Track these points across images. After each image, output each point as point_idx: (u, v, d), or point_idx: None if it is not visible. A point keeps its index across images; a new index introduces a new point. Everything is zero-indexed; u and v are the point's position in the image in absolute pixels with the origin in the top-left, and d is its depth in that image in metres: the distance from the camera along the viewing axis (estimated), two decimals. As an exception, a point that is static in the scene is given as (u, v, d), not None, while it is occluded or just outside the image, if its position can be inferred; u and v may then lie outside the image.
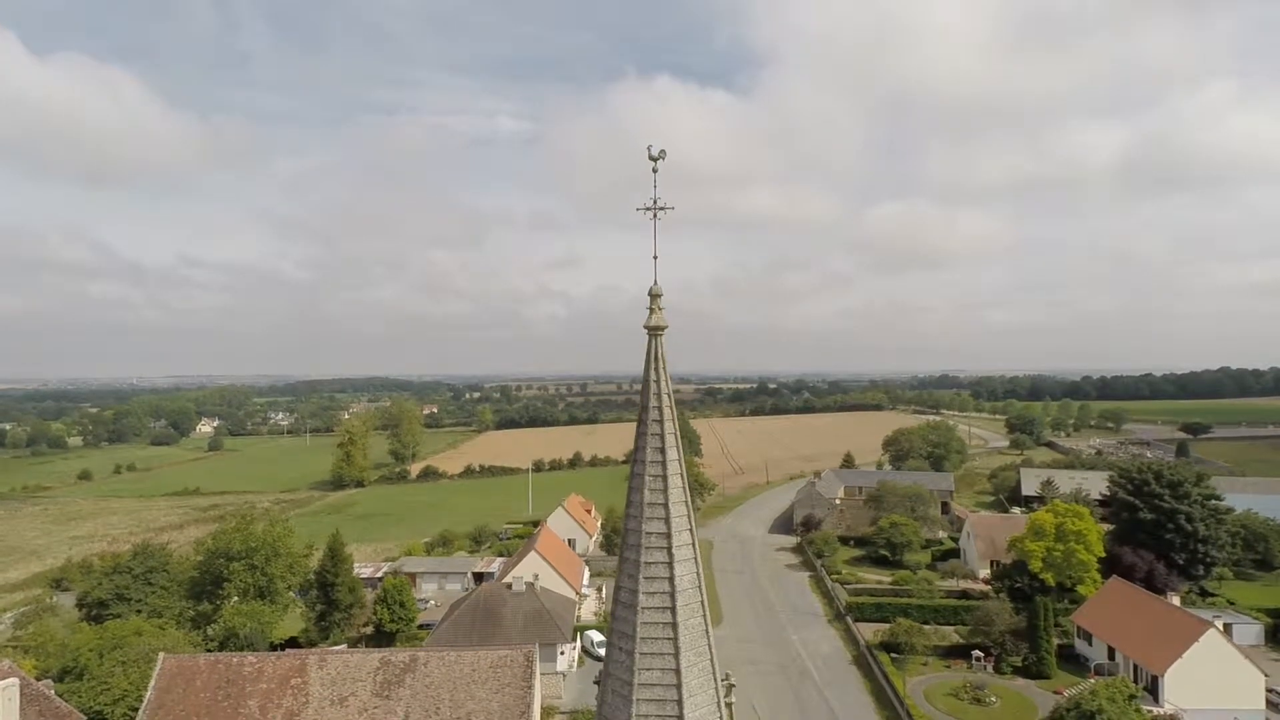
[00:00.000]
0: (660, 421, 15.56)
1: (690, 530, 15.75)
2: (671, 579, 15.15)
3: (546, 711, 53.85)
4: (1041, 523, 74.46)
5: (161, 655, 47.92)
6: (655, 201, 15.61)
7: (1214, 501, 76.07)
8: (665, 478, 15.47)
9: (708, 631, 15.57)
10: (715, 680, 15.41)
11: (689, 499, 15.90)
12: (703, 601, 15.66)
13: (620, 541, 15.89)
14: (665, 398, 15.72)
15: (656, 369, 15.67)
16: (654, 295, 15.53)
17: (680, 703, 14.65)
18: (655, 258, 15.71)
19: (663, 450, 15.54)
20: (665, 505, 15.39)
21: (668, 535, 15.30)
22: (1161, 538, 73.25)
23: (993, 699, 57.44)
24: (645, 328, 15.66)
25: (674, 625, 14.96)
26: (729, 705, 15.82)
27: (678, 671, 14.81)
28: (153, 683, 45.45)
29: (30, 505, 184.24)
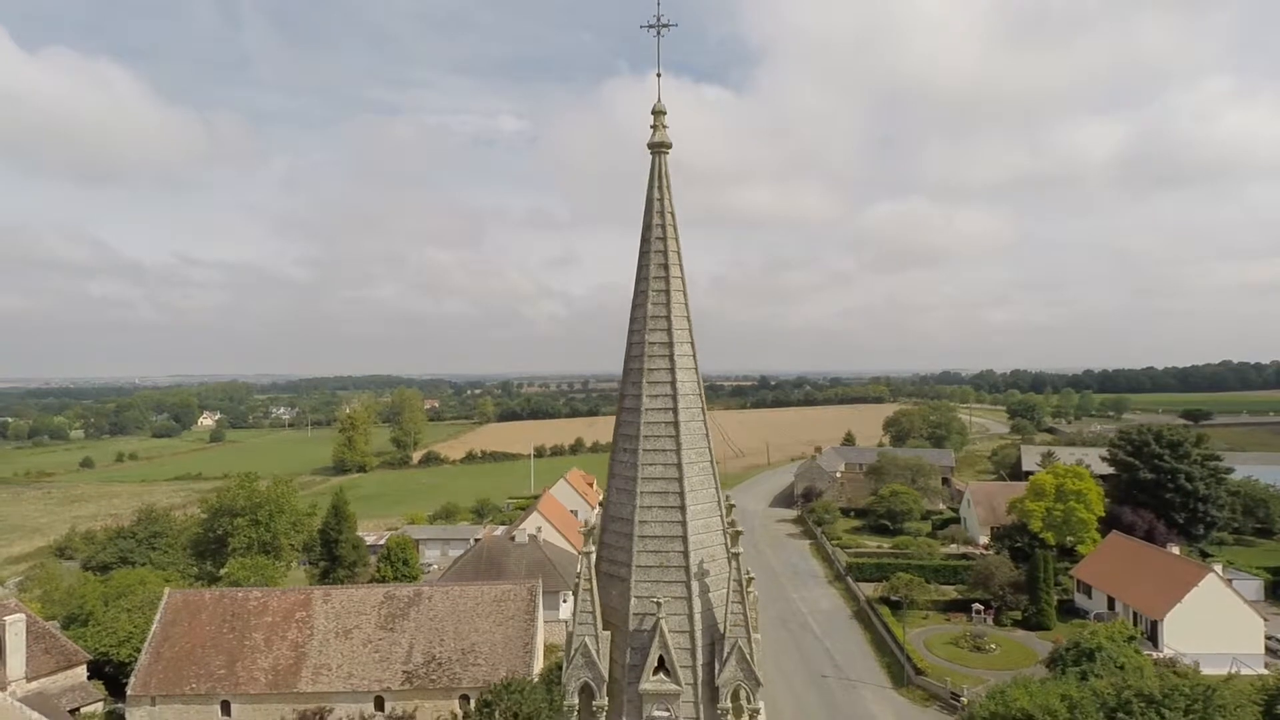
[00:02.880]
0: (664, 239, 15.92)
1: (691, 344, 16.12)
2: (673, 383, 15.53)
3: (550, 649, 54.21)
4: (1041, 483, 74.80)
5: (167, 589, 48.46)
6: (659, 19, 16.02)
7: (1214, 462, 76.37)
8: (668, 293, 15.83)
9: (708, 436, 15.95)
10: (715, 481, 15.78)
11: (690, 315, 16.25)
12: (703, 409, 16.07)
13: (624, 354, 16.28)
14: (669, 216, 16.08)
15: (660, 188, 16.02)
16: (657, 113, 15.90)
17: (682, 494, 15.03)
18: (659, 75, 16.10)
19: (665, 266, 15.89)
20: (668, 318, 15.76)
21: (669, 345, 15.67)
22: (1161, 497, 73.52)
23: (993, 647, 57.80)
24: (648, 146, 16.03)
25: (675, 424, 15.35)
26: (733, 525, 16.14)
27: (679, 466, 15.19)
28: (158, 615, 45.97)
29: (33, 489, 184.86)
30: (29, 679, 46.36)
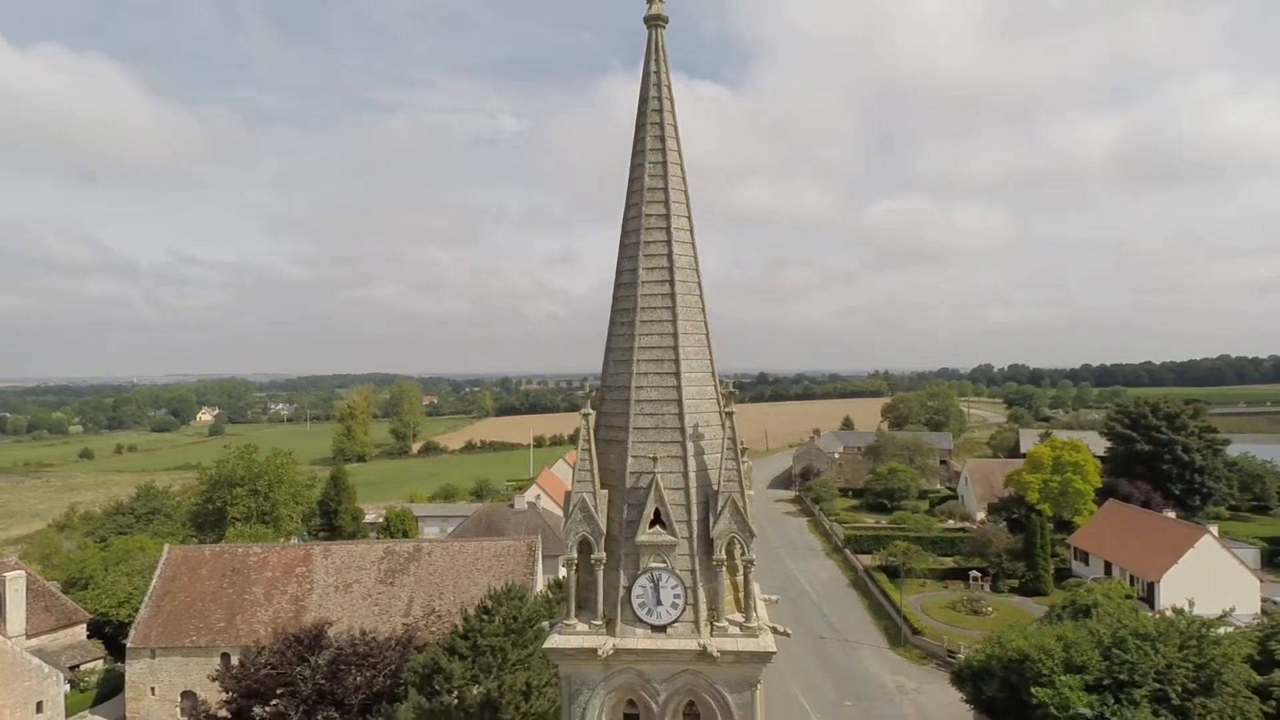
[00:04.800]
0: (660, 112, 16.10)
1: (688, 218, 16.30)
2: (669, 255, 15.73)
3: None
4: (1039, 455, 75.08)
5: (167, 546, 48.66)
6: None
7: (1211, 434, 76.62)
8: (665, 165, 16.00)
9: (703, 310, 16.16)
10: (710, 354, 15.99)
11: (687, 190, 16.41)
12: (699, 284, 16.25)
13: (620, 229, 16.45)
14: (665, 90, 16.26)
15: (656, 60, 16.20)
16: (654, -13, 16.10)
17: (677, 361, 15.26)
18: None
19: (662, 139, 16.07)
20: (665, 190, 15.95)
21: (666, 217, 15.86)
22: (1158, 468, 73.78)
23: (990, 610, 58.06)
24: (645, 20, 16.19)
25: (671, 296, 15.56)
26: (730, 415, 15.88)
27: (675, 335, 15.41)
28: (158, 570, 46.13)
29: (32, 478, 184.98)
30: (29, 636, 46.57)
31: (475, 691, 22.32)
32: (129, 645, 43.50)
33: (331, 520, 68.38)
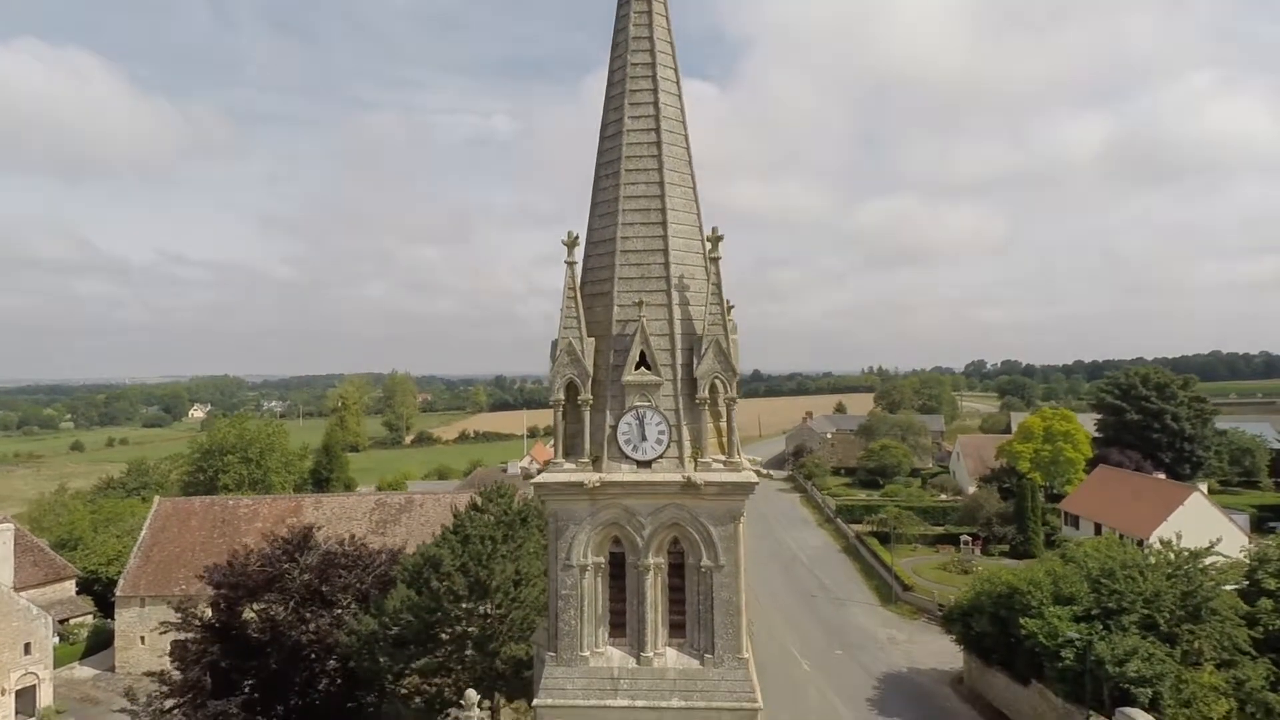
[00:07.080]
0: (646, -35, 16.02)
1: (674, 69, 16.21)
2: (656, 104, 15.67)
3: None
4: (1030, 426, 75.35)
5: (157, 498, 48.45)
6: None
7: (1200, 404, 76.97)
8: (650, 15, 15.88)
9: (690, 164, 16.12)
10: (698, 209, 15.95)
11: (673, 41, 16.32)
12: (686, 136, 16.20)
13: (605, 80, 16.37)
14: (651, -58, 16.17)
15: (642, -86, 16.13)
16: None
17: (664, 210, 15.22)
18: None
19: (648, -10, 15.99)
20: (650, 40, 15.86)
21: (652, 66, 15.76)
22: (1148, 438, 74.08)
23: (980, 570, 58.07)
24: None
25: (658, 145, 15.49)
26: (716, 261, 15.75)
27: (661, 185, 15.36)
28: (148, 522, 45.93)
29: (23, 468, 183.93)
30: (17, 589, 46.23)
31: (463, 581, 22.25)
32: (118, 594, 43.31)
33: (324, 490, 68.10)
